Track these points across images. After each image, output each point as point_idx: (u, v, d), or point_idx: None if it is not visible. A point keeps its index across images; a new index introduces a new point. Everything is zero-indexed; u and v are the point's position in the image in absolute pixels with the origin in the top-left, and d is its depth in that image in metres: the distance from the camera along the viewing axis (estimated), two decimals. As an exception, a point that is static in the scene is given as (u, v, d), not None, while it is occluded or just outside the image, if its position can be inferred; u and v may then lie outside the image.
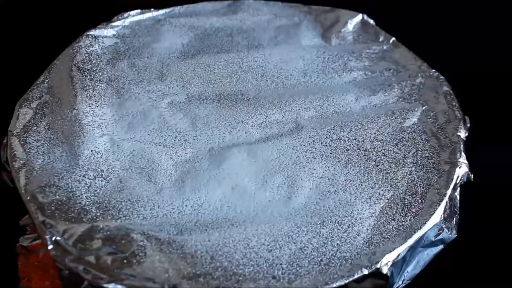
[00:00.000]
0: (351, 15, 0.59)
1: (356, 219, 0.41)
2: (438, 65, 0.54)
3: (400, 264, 0.40)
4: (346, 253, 0.39)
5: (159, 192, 0.42)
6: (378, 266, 0.38)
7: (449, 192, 0.43)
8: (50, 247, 0.38)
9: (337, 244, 0.40)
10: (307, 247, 0.39)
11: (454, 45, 0.62)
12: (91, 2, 0.67)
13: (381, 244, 0.40)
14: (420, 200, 0.42)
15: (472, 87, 0.56)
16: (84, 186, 0.42)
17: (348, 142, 0.47)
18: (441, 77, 0.53)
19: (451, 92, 0.51)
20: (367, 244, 0.40)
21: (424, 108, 0.50)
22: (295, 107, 0.50)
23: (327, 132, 0.48)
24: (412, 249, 0.40)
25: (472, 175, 0.45)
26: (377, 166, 0.45)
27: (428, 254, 0.42)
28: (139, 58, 0.54)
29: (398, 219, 0.41)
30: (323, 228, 0.40)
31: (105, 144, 0.45)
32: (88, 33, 0.56)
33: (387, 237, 0.40)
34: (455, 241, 0.43)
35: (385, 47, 0.56)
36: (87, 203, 0.41)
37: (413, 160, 0.46)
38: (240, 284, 0.37)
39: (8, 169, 0.43)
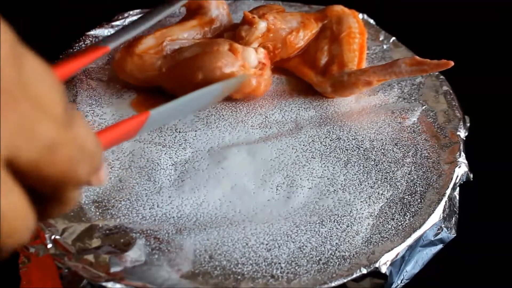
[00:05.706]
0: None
1: (355, 219, 0.41)
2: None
3: (399, 263, 0.40)
4: (345, 252, 0.39)
5: (159, 191, 0.42)
6: (377, 265, 0.38)
7: (448, 191, 0.43)
8: (49, 246, 0.38)
9: (336, 243, 0.40)
10: (306, 246, 0.39)
11: (454, 45, 0.62)
12: (91, 2, 0.67)
13: (380, 243, 0.40)
14: (419, 200, 0.42)
15: (472, 87, 0.56)
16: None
17: (348, 141, 0.47)
18: (441, 76, 0.53)
19: (451, 91, 0.51)
20: (366, 243, 0.40)
21: (423, 107, 0.50)
22: (295, 107, 0.50)
23: (327, 131, 0.48)
24: (411, 249, 0.40)
25: (472, 175, 0.45)
26: (376, 165, 0.45)
27: (427, 253, 0.42)
28: (139, 58, 0.54)
29: (397, 219, 0.41)
30: (322, 228, 0.40)
31: (104, 143, 0.45)
32: (88, 33, 0.56)
33: (386, 237, 0.40)
34: (454, 241, 0.43)
35: (385, 47, 0.56)
36: (86, 202, 0.41)
37: (413, 159, 0.46)
38: (239, 283, 0.37)
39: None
